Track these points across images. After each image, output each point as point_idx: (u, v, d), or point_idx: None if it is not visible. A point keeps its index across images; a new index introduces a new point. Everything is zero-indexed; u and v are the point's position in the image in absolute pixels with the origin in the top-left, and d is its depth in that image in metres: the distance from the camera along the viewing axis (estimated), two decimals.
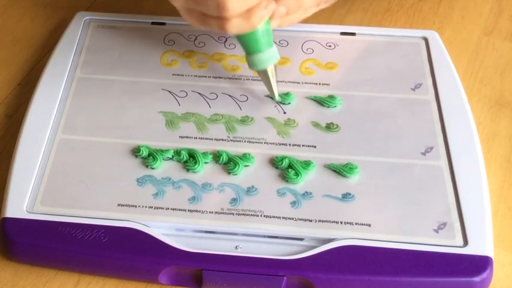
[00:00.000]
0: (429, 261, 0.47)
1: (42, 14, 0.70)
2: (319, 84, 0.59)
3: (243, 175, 0.52)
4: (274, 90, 0.56)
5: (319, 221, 0.49)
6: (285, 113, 0.56)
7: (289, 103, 0.57)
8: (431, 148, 0.54)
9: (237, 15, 0.49)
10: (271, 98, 0.57)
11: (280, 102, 0.57)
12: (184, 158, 0.53)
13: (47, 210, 0.50)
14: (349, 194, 0.51)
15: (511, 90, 0.62)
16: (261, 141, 0.55)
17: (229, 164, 0.52)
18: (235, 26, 0.50)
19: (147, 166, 0.52)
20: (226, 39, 0.63)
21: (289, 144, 0.54)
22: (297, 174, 0.51)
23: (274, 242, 0.49)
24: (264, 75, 0.56)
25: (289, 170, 0.52)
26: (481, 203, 0.50)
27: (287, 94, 0.58)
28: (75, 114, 0.56)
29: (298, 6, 0.55)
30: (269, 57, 0.54)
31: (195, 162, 0.52)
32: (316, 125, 0.56)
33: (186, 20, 0.52)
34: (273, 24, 0.54)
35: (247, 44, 0.53)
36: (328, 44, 0.63)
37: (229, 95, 0.58)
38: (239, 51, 0.62)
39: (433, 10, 0.70)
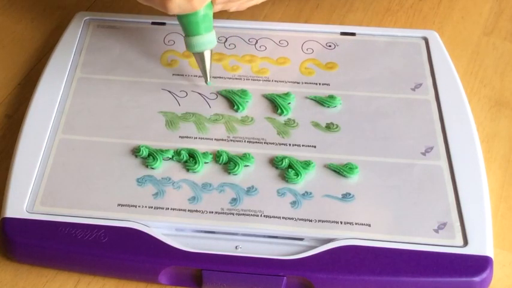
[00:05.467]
0: (429, 261, 0.47)
1: (42, 14, 0.70)
2: (319, 84, 0.59)
3: (243, 175, 0.52)
4: (207, 74, 0.57)
5: (319, 221, 0.49)
6: (286, 114, 0.56)
7: (289, 103, 0.57)
8: (431, 148, 0.54)
9: None
10: (268, 98, 0.57)
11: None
12: (184, 158, 0.53)
13: (47, 210, 0.50)
14: (349, 194, 0.51)
15: (511, 90, 0.62)
16: (261, 141, 0.55)
17: (229, 164, 0.52)
18: (176, 6, 0.51)
19: (147, 166, 0.53)
20: (227, 39, 0.63)
21: (289, 144, 0.54)
22: (297, 174, 0.51)
23: (274, 242, 0.49)
24: (200, 58, 0.57)
25: (289, 170, 0.52)
26: (481, 203, 0.50)
27: (287, 94, 0.58)
28: (75, 114, 0.56)
29: None
30: (207, 41, 0.55)
31: (195, 162, 0.52)
32: (316, 125, 0.56)
33: None
34: (216, 8, 0.55)
35: (187, 25, 0.55)
36: (328, 44, 0.63)
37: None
38: (239, 51, 0.62)
39: (433, 10, 0.70)
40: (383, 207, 0.50)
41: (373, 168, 0.52)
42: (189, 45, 0.56)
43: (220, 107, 0.57)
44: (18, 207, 0.50)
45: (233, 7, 0.58)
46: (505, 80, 0.63)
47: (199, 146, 0.54)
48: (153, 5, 0.53)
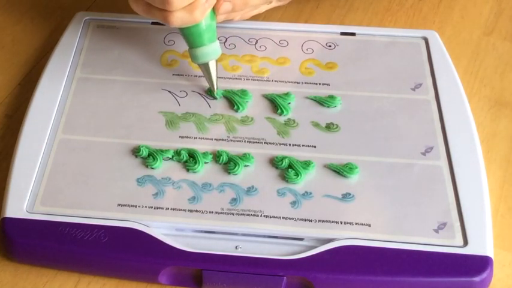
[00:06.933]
0: (429, 261, 0.47)
1: (42, 14, 0.70)
2: (319, 84, 0.59)
3: (243, 175, 0.52)
4: (214, 84, 0.57)
5: (319, 221, 0.49)
6: (286, 114, 0.56)
7: (289, 103, 0.57)
8: (431, 148, 0.54)
9: (180, 8, 0.50)
10: (268, 98, 0.57)
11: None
12: (184, 158, 0.53)
13: (47, 210, 0.50)
14: (349, 194, 0.51)
15: (511, 90, 0.62)
16: (261, 141, 0.55)
17: (229, 164, 0.52)
18: (178, 19, 0.51)
19: (147, 166, 0.53)
20: (227, 39, 0.63)
21: (289, 144, 0.54)
22: (297, 174, 0.51)
23: (274, 242, 0.49)
24: (205, 69, 0.56)
25: (289, 170, 0.52)
26: (481, 203, 0.50)
27: (287, 94, 0.58)
28: (75, 114, 0.56)
29: (245, 4, 0.57)
30: (211, 51, 0.55)
31: (195, 162, 0.52)
32: (316, 125, 0.56)
33: (132, 6, 0.53)
34: (219, 18, 0.55)
35: (190, 37, 0.54)
36: (328, 44, 0.63)
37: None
38: (239, 51, 0.62)
39: (433, 10, 0.70)
40: (383, 207, 0.50)
41: (373, 168, 0.52)
42: (193, 57, 0.56)
43: (220, 107, 0.57)
44: (18, 207, 0.50)
45: (237, 17, 0.58)
46: (505, 80, 0.63)
47: (199, 146, 0.54)
48: (153, 18, 0.52)
